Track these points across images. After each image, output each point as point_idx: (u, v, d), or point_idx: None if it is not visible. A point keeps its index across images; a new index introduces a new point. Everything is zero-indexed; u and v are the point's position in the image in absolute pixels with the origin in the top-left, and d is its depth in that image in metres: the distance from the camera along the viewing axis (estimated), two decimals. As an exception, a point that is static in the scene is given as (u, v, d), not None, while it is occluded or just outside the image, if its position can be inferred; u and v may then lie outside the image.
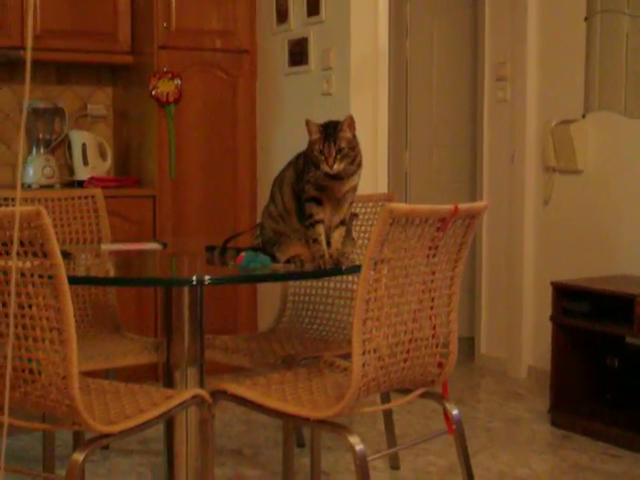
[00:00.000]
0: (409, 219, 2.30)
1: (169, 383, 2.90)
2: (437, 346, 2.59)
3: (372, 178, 4.28)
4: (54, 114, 4.88)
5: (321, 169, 2.52)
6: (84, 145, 4.87)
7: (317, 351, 3.18)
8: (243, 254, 2.60)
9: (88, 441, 2.31)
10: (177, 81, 4.74)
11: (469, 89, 5.64)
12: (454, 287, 2.62)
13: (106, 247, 3.25)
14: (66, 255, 2.80)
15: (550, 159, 4.67)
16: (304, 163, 2.59)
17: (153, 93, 4.70)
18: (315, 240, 2.57)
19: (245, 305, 5.00)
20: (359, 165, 2.58)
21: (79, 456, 2.22)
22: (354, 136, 2.56)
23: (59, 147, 4.96)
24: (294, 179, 2.63)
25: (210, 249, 2.86)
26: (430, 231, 2.40)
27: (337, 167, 2.52)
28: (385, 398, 3.26)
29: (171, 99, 4.72)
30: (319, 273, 2.65)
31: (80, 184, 4.76)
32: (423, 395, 2.68)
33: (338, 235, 2.62)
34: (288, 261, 2.62)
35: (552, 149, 4.65)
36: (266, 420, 3.89)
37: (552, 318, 4.04)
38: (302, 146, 2.65)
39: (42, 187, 4.67)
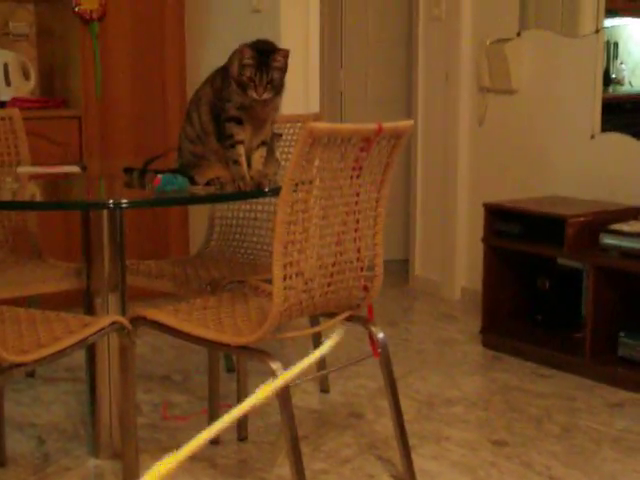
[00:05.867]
0: (331, 139, 2.23)
1: (90, 310, 2.82)
2: (362, 269, 2.54)
3: (303, 97, 4.18)
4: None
5: (248, 94, 2.45)
6: (6, 65, 4.68)
7: (243, 275, 3.11)
8: (160, 177, 2.51)
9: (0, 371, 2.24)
10: (101, -3, 4.57)
11: (405, 6, 5.53)
12: (380, 209, 2.55)
13: (23, 170, 3.12)
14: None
15: (484, 79, 4.61)
16: (223, 81, 2.50)
17: (76, 10, 4.52)
18: (235, 161, 2.49)
19: (176, 229, 4.91)
20: (282, 86, 2.50)
21: (-12, 387, 2.16)
22: (285, 65, 2.48)
23: (-20, 68, 4.77)
24: (212, 98, 2.53)
25: (129, 171, 2.77)
26: (353, 151, 2.34)
27: (266, 96, 2.46)
28: (314, 322, 3.22)
29: (95, 16, 4.54)
30: (239, 195, 2.58)
31: (2, 105, 4.58)
32: (349, 319, 2.64)
33: (259, 156, 2.54)
34: (208, 183, 2.54)
35: (486, 68, 4.58)
36: (196, 345, 3.84)
37: (484, 240, 4.02)
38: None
39: (-38, 109, 4.49)
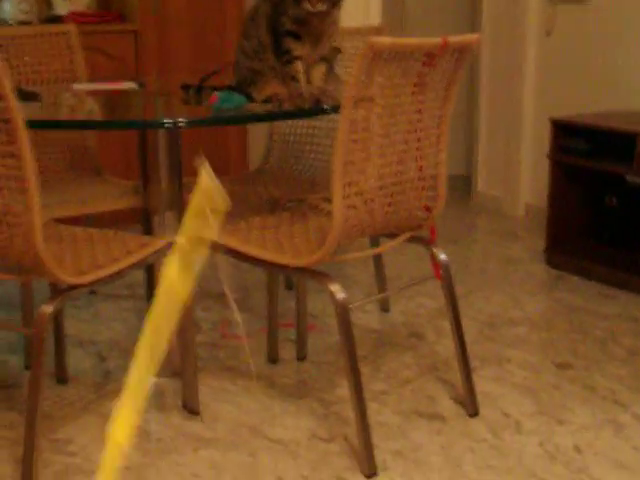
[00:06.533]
0: (392, 54, 2.14)
1: (148, 228, 2.81)
2: (424, 189, 2.47)
3: (363, 8, 4.04)
4: (28, -56, 4.60)
5: (303, 6, 2.35)
6: (62, -23, 4.62)
7: (303, 193, 3.06)
8: (217, 94, 2.44)
9: (57, 292, 2.23)
10: None
11: None
12: (443, 126, 2.46)
13: (79, 87, 3.08)
14: (34, 96, 2.66)
15: (553, -13, 4.43)
16: (280, -5, 2.40)
17: None
18: (293, 77, 2.41)
19: (234, 145, 4.85)
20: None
21: (47, 308, 2.14)
22: None
23: (36, -20, 4.70)
24: (269, 12, 2.44)
25: (186, 88, 2.70)
26: (416, 66, 2.24)
27: (320, 7, 2.36)
28: (374, 242, 3.16)
29: None
30: (297, 113, 2.49)
31: (59, 20, 4.53)
32: (410, 240, 2.58)
33: (319, 72, 2.46)
34: (266, 101, 2.47)
35: (556, -24, 4.40)
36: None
37: (550, 156, 3.90)
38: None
39: (19, 23, 4.44)
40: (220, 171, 3.72)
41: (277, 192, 3.08)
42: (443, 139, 2.49)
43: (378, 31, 3.26)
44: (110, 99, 2.96)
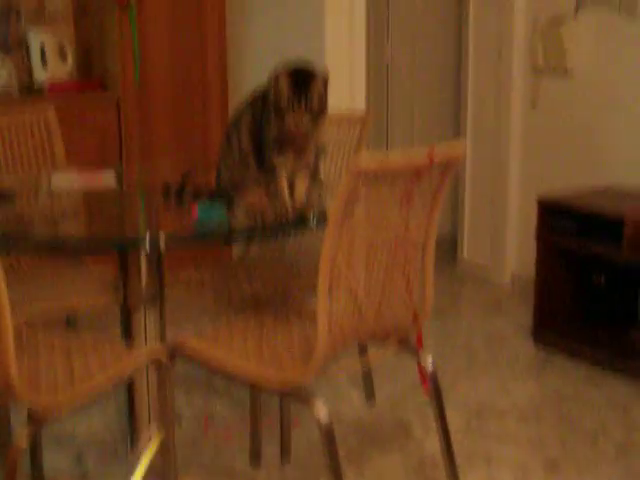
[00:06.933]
0: (379, 175, 2.09)
1: (127, 327, 2.74)
2: (411, 298, 2.41)
3: (348, 92, 3.99)
4: (8, 12, 4.55)
5: (286, 123, 2.31)
6: (42, 45, 4.56)
7: (287, 287, 2.99)
8: (197, 206, 2.38)
9: (34, 421, 2.13)
10: (137, -23, 4.41)
11: (454, -23, 5.30)
12: (430, 232, 2.41)
13: (57, 183, 2.99)
14: (7, 198, 2.60)
15: (538, 59, 4.39)
16: (263, 105, 2.34)
17: (113, -8, 4.37)
18: (277, 190, 2.35)
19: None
20: (323, 111, 2.34)
21: (21, 441, 2.05)
22: (324, 92, 2.32)
23: (16, 49, 4.63)
24: (252, 121, 2.39)
25: (167, 189, 2.64)
26: (403, 183, 2.19)
27: (305, 125, 2.31)
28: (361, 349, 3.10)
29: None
30: (282, 228, 2.42)
31: (39, 90, 4.48)
32: (398, 345, 2.51)
33: (302, 183, 2.39)
34: (248, 210, 2.41)
35: (541, 48, 4.36)
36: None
37: (537, 237, 3.84)
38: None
39: (-2, 94, 4.40)
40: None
41: (261, 285, 3.01)
42: (430, 244, 2.44)
43: (363, 120, 3.22)
44: (89, 203, 2.90)
